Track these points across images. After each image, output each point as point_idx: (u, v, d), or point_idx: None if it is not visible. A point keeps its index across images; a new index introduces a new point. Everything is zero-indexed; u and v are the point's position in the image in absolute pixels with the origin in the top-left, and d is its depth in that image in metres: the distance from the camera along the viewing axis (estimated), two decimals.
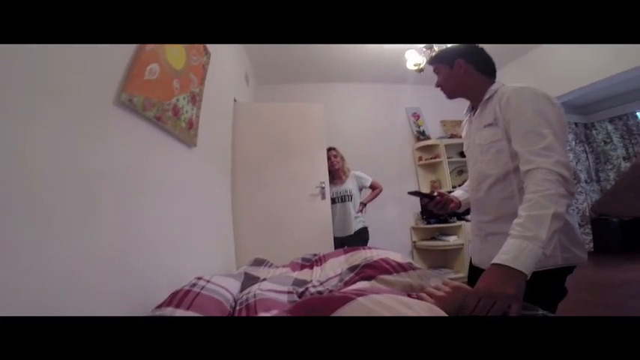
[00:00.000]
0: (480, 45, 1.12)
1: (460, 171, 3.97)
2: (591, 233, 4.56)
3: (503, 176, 0.97)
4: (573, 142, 4.96)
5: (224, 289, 1.08)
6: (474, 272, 1.08)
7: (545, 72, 3.44)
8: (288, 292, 1.15)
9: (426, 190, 3.90)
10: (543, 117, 0.86)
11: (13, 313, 0.56)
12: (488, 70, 1.09)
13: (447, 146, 3.89)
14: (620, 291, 2.73)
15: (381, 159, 3.87)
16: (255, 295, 1.03)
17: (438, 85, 1.17)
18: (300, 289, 1.18)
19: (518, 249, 0.69)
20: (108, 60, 0.93)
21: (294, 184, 2.59)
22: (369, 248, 1.57)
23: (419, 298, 0.72)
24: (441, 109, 4.09)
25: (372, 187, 2.90)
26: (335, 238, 2.59)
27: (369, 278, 1.07)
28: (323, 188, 2.60)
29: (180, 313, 0.85)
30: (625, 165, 4.71)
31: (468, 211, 1.21)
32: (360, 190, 2.88)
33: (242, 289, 1.20)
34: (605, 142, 4.98)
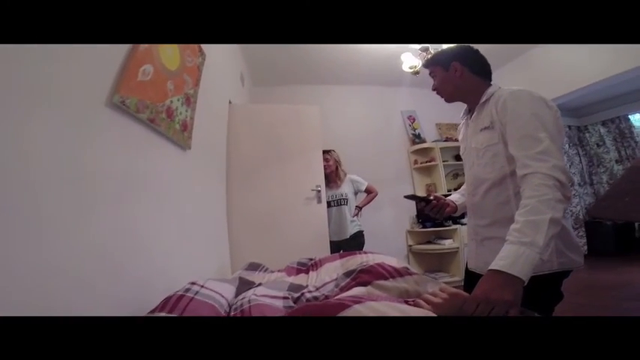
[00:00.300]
0: (475, 47, 1.12)
1: (455, 174, 3.98)
2: (585, 236, 4.60)
3: (500, 180, 0.97)
4: (567, 146, 5.01)
5: (218, 294, 1.06)
6: (470, 276, 1.07)
7: (540, 74, 3.48)
8: (284, 298, 1.13)
9: (421, 193, 3.91)
10: (540, 120, 0.85)
11: (7, 313, 0.55)
12: (484, 72, 1.09)
13: (442, 149, 3.90)
14: (615, 293, 2.75)
15: (376, 162, 3.88)
16: (250, 301, 1.01)
17: (434, 89, 1.16)
18: (296, 295, 1.16)
19: (515, 255, 0.69)
20: (101, 60, 0.91)
21: (289, 187, 2.57)
22: (365, 253, 1.56)
23: (416, 304, 0.71)
24: (437, 112, 4.12)
25: (368, 191, 2.90)
26: (331, 242, 2.58)
27: (365, 284, 1.06)
28: (319, 192, 2.58)
29: None
30: (618, 168, 4.77)
31: (464, 215, 1.21)
32: (356, 194, 2.88)
33: (237, 294, 1.18)
34: (598, 145, 5.04)
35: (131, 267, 1.00)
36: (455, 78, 1.08)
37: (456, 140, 1.27)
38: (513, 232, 0.73)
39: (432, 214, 1.21)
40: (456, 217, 1.51)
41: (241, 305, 1.00)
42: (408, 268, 1.14)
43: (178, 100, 1.37)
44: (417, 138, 4.14)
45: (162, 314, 0.85)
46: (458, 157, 3.53)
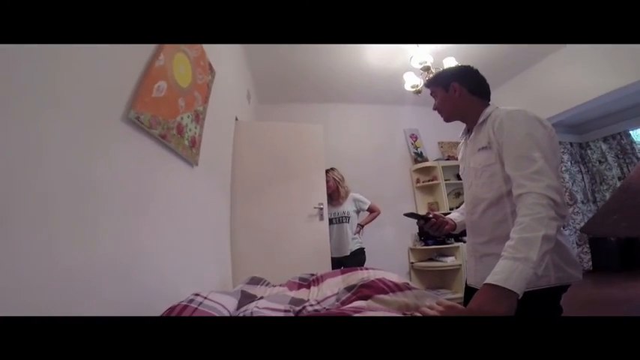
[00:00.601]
0: (475, 67, 1.16)
1: (457, 193, 4.00)
2: (589, 252, 4.56)
3: (497, 200, 0.99)
4: (569, 163, 5.01)
5: (221, 305, 1.08)
6: (470, 292, 1.09)
7: (540, 91, 3.52)
8: (285, 311, 1.14)
9: (423, 212, 3.92)
10: (534, 140, 0.88)
11: (16, 313, 0.57)
12: (482, 92, 1.12)
13: (444, 168, 3.93)
14: (620, 309, 2.72)
15: (378, 180, 3.91)
16: (252, 313, 1.02)
17: (435, 109, 1.20)
18: (297, 308, 1.18)
19: (509, 270, 0.71)
20: (118, 75, 0.97)
21: (292, 204, 2.60)
22: (366, 269, 1.57)
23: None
24: (439, 131, 4.15)
25: (371, 210, 2.93)
26: (332, 259, 2.59)
27: (365, 298, 1.08)
28: (321, 209, 2.61)
29: None
30: None
31: (464, 233, 1.23)
32: (359, 212, 2.91)
33: (239, 306, 1.19)
34: (600, 162, 5.03)
35: (137, 275, 1.03)
36: (454, 98, 1.12)
37: (457, 159, 1.30)
38: (508, 249, 0.75)
39: (432, 232, 1.23)
40: (457, 234, 1.52)
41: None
42: (408, 284, 1.15)
43: (188, 116, 1.42)
44: (419, 156, 4.18)
45: None
46: (459, 176, 3.57)
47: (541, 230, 0.74)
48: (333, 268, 2.41)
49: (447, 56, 2.80)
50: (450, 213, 1.32)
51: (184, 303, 0.99)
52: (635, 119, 4.61)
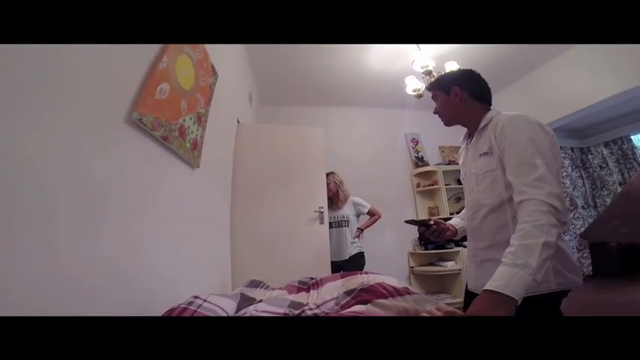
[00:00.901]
0: (477, 71, 1.15)
1: (458, 198, 3.99)
2: (590, 257, 4.56)
3: (498, 206, 0.99)
4: (570, 168, 5.00)
5: (220, 308, 1.08)
6: (470, 297, 1.08)
7: (541, 96, 3.52)
8: (284, 314, 1.14)
9: (423, 216, 3.92)
10: (536, 146, 0.88)
11: (16, 313, 0.57)
12: (483, 96, 1.12)
13: (444, 173, 3.93)
14: (620, 313, 2.71)
15: (379, 184, 3.91)
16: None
17: (436, 112, 1.20)
18: (297, 311, 1.17)
19: (509, 276, 0.71)
20: (121, 77, 0.97)
21: (293, 207, 2.60)
22: (366, 273, 1.57)
23: None
24: (440, 135, 4.17)
25: (371, 213, 2.92)
26: (331, 263, 2.59)
27: (364, 302, 1.07)
28: (322, 213, 2.61)
29: None
30: None
31: (465, 238, 1.23)
32: (358, 216, 2.91)
33: (238, 309, 1.19)
34: (601, 167, 5.03)
35: (137, 277, 1.03)
36: (455, 102, 1.12)
37: (458, 164, 1.29)
38: (508, 255, 0.75)
39: (433, 238, 1.22)
40: (457, 240, 1.52)
41: None
42: (407, 288, 1.15)
43: (190, 119, 1.43)
44: (419, 161, 4.19)
45: None
46: (460, 181, 3.58)
47: (541, 237, 0.74)
48: (332, 272, 2.40)
49: (448, 60, 2.81)
50: (450, 218, 1.32)
51: (183, 305, 0.99)
52: (637, 124, 4.61)
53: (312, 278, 1.76)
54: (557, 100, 3.33)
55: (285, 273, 2.10)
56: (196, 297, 1.08)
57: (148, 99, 1.07)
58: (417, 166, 4.15)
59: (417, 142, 4.31)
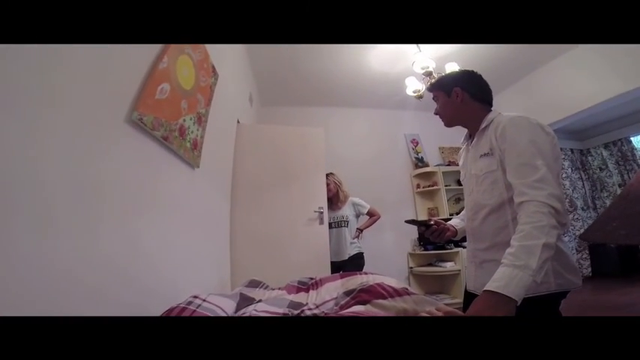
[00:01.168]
0: (479, 70, 1.15)
1: (457, 199, 4.00)
2: (589, 258, 4.57)
3: (498, 207, 0.99)
4: (569, 169, 5.01)
5: (219, 308, 1.08)
6: (469, 297, 1.08)
7: (542, 97, 3.52)
8: (284, 314, 1.14)
9: (423, 217, 3.92)
10: (537, 148, 0.88)
11: (15, 313, 0.57)
12: (485, 97, 1.12)
13: (444, 174, 3.94)
14: (619, 314, 2.72)
15: (379, 185, 3.91)
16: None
17: (436, 113, 1.19)
18: (296, 312, 1.18)
19: (509, 277, 0.71)
20: (122, 77, 0.97)
21: (292, 207, 2.60)
22: (365, 273, 1.57)
23: None
24: (440, 136, 4.18)
25: (370, 214, 2.93)
26: (331, 263, 2.59)
27: (364, 302, 1.07)
28: (321, 213, 2.61)
29: None
30: None
31: (464, 239, 1.23)
32: (358, 216, 2.91)
33: (237, 309, 1.19)
34: (601, 169, 5.04)
35: (137, 277, 1.03)
36: (456, 103, 1.11)
37: (458, 165, 1.29)
38: (508, 256, 0.75)
39: (433, 238, 1.22)
40: (456, 240, 1.52)
41: None
42: (407, 289, 1.15)
43: (191, 119, 1.43)
44: (419, 162, 4.19)
45: None
46: (460, 182, 3.59)
47: (542, 238, 0.74)
48: (332, 273, 2.41)
49: (449, 61, 2.81)
50: (450, 219, 1.32)
51: (183, 305, 0.99)
52: (636, 125, 4.62)
53: (312, 278, 1.76)
54: (558, 102, 3.33)
55: (284, 273, 2.10)
56: (195, 297, 1.08)
57: (148, 99, 1.07)
58: (416, 166, 4.15)
59: (417, 143, 4.32)
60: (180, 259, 1.39)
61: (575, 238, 4.59)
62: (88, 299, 0.78)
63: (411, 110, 4.21)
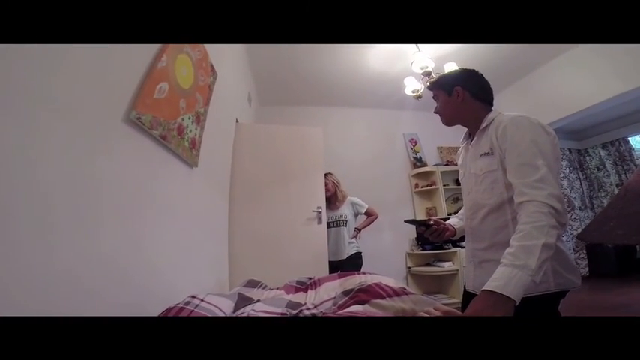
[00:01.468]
0: (480, 70, 1.14)
1: (456, 199, 4.00)
2: (586, 258, 4.59)
3: (498, 206, 0.99)
4: (567, 169, 5.02)
5: (217, 308, 1.07)
6: (468, 297, 1.09)
7: (540, 97, 3.53)
8: (282, 314, 1.14)
9: (421, 217, 3.93)
10: (538, 148, 0.88)
11: (14, 313, 0.57)
12: (485, 97, 1.11)
13: (442, 173, 3.94)
14: (616, 314, 2.73)
15: (377, 185, 3.92)
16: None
17: (436, 112, 1.18)
18: (294, 311, 1.18)
19: (508, 276, 0.71)
20: (120, 76, 0.97)
21: (291, 207, 2.60)
22: (364, 273, 1.57)
23: None
24: (438, 135, 4.19)
25: (368, 214, 2.94)
26: (329, 263, 2.59)
27: (362, 302, 1.08)
28: (320, 213, 2.61)
29: None
30: None
31: (463, 238, 1.23)
32: (356, 216, 2.92)
33: (235, 309, 1.19)
34: (599, 169, 5.05)
35: (135, 276, 1.03)
36: (456, 102, 1.11)
37: (457, 164, 1.29)
38: (507, 256, 0.75)
39: (432, 238, 1.22)
40: (455, 240, 1.52)
41: None
42: (405, 288, 1.15)
43: (189, 118, 1.43)
44: (418, 162, 4.19)
45: None
46: (458, 182, 3.59)
47: (541, 238, 0.74)
48: (330, 272, 2.41)
49: (448, 61, 2.81)
50: (448, 218, 1.32)
51: (181, 305, 0.99)
52: (634, 126, 4.64)
53: (310, 278, 1.76)
54: (557, 102, 3.34)
55: (283, 273, 2.10)
56: (193, 297, 1.07)
57: (146, 98, 1.06)
58: (415, 166, 4.16)
59: (416, 143, 4.32)
60: (179, 258, 1.38)
61: (572, 238, 4.61)
62: (85, 299, 0.78)
63: (409, 110, 4.22)
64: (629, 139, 4.79)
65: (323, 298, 1.32)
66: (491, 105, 1.12)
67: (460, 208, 1.33)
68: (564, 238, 0.95)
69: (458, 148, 1.29)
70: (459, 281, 3.38)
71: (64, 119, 0.74)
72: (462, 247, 3.43)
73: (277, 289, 1.68)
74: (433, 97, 1.20)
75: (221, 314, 1.06)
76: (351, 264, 2.64)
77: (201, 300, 1.07)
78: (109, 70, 0.90)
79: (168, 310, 0.96)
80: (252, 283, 1.74)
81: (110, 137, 0.91)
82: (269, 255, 2.44)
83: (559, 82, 3.33)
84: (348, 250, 2.73)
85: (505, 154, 0.94)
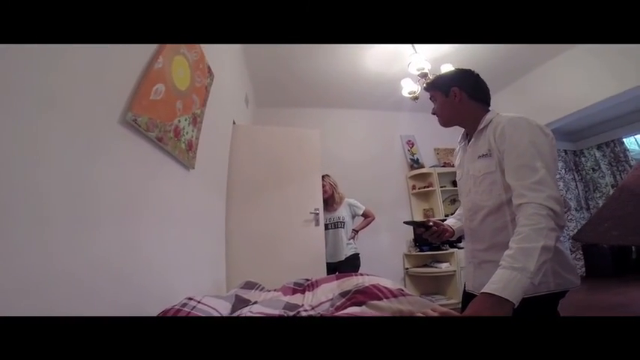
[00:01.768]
0: (476, 70, 1.14)
1: (453, 200, 4.02)
2: (582, 258, 4.61)
3: (497, 208, 0.99)
4: (563, 170, 5.05)
5: (214, 310, 1.07)
6: (468, 297, 1.08)
7: (537, 98, 3.55)
8: (279, 316, 1.14)
9: (419, 218, 3.93)
10: (537, 149, 0.87)
11: (12, 313, 0.57)
12: (483, 97, 1.11)
13: (440, 175, 3.96)
14: (613, 313, 2.75)
15: (375, 186, 3.93)
16: None
17: (434, 113, 1.18)
18: (292, 313, 1.17)
19: (507, 279, 0.71)
20: (116, 77, 0.96)
21: (288, 208, 2.60)
22: (361, 274, 1.57)
23: None
24: (435, 137, 4.21)
25: (365, 215, 2.95)
26: (327, 264, 2.59)
27: (359, 304, 1.07)
28: (317, 214, 2.61)
29: None
30: None
31: (460, 239, 1.22)
32: (353, 217, 2.93)
33: (232, 311, 1.19)
34: (594, 170, 5.09)
35: (132, 278, 1.02)
36: (454, 103, 1.10)
37: (454, 165, 1.28)
38: (506, 258, 0.75)
39: (431, 239, 1.21)
40: (453, 241, 1.52)
41: None
42: (402, 290, 1.15)
43: (186, 119, 1.42)
44: (415, 163, 4.21)
45: None
46: (455, 183, 3.60)
47: (540, 241, 0.74)
48: (328, 274, 2.41)
49: (444, 62, 2.82)
50: (446, 219, 1.31)
51: (177, 307, 0.99)
52: (629, 127, 4.67)
53: (308, 280, 1.76)
54: (553, 103, 3.36)
55: (280, 274, 2.10)
56: (190, 298, 1.07)
57: (143, 99, 1.06)
58: (412, 168, 4.17)
59: (413, 144, 4.34)
60: (176, 260, 1.38)
61: (568, 239, 4.64)
62: (82, 300, 0.78)
63: (406, 111, 4.23)
64: (624, 140, 4.83)
65: (320, 299, 1.31)
66: (489, 105, 1.12)
67: (456, 209, 1.32)
68: (562, 239, 0.95)
69: (454, 150, 1.28)
70: (456, 282, 3.39)
71: (60, 120, 0.74)
72: (460, 247, 3.44)
73: (275, 290, 1.68)
74: (430, 99, 1.19)
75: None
76: (348, 265, 2.65)
77: (198, 302, 1.06)
78: (105, 72, 0.90)
79: (165, 311, 0.96)
80: (250, 285, 1.73)
81: (106, 139, 0.91)
82: (266, 257, 2.43)
83: (555, 83, 3.35)
84: (346, 252, 2.73)
85: (503, 155, 0.93)
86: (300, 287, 1.68)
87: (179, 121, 1.35)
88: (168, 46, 1.23)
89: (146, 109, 1.08)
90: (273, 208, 2.57)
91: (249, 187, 2.55)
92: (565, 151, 5.24)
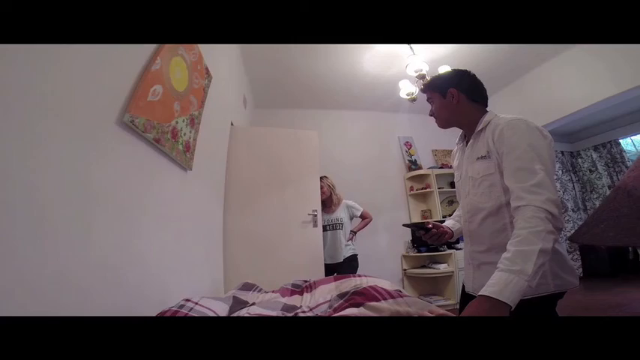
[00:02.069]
0: (472, 71, 1.14)
1: (450, 201, 4.03)
2: (580, 259, 4.64)
3: (496, 210, 0.98)
4: (560, 172, 5.07)
5: (212, 311, 1.07)
6: (467, 299, 1.08)
7: (534, 99, 3.56)
8: (276, 317, 1.14)
9: (416, 219, 3.94)
10: (536, 152, 0.87)
11: (10, 313, 0.57)
12: (480, 98, 1.10)
13: (437, 176, 3.97)
14: (611, 313, 2.77)
15: (373, 188, 3.93)
16: None
17: (431, 114, 1.17)
18: (289, 315, 1.17)
19: (504, 282, 0.71)
20: (114, 79, 0.96)
21: (286, 210, 2.60)
22: (359, 276, 1.58)
23: None
24: (433, 138, 4.22)
25: (363, 216, 2.96)
26: (325, 265, 2.59)
27: (357, 305, 1.08)
28: (315, 216, 2.61)
29: None
30: None
31: (459, 240, 1.23)
32: (351, 219, 2.93)
33: (230, 312, 1.18)
34: (591, 171, 5.11)
35: (129, 279, 1.02)
36: (451, 104, 1.10)
37: (452, 167, 1.28)
38: (504, 261, 0.75)
39: (431, 241, 1.21)
40: (451, 242, 1.52)
41: None
42: (400, 291, 1.15)
43: (183, 121, 1.42)
44: (413, 164, 4.21)
45: None
46: (453, 184, 3.60)
47: (538, 244, 0.74)
48: (326, 275, 2.41)
49: (442, 64, 2.83)
50: (444, 220, 1.31)
51: (174, 308, 0.99)
52: (625, 128, 4.70)
53: (306, 281, 1.76)
54: (550, 104, 3.37)
55: (278, 276, 2.10)
56: (188, 300, 1.07)
57: (140, 101, 1.06)
58: (410, 169, 4.18)
59: (411, 146, 4.34)
60: (173, 261, 1.37)
61: (565, 240, 4.66)
62: (79, 301, 0.77)
63: (404, 113, 4.24)
64: (621, 141, 4.85)
65: (318, 301, 1.31)
66: (486, 106, 1.12)
67: (455, 210, 1.32)
68: (560, 240, 0.95)
69: (452, 151, 1.28)
70: (454, 283, 3.40)
71: (57, 121, 0.73)
72: (458, 248, 3.45)
73: (273, 292, 1.67)
74: (427, 100, 1.19)
75: None
76: (346, 266, 2.65)
77: (196, 303, 1.06)
78: (102, 73, 0.89)
79: (162, 313, 0.95)
80: (248, 287, 1.73)
81: (103, 140, 0.91)
82: (264, 258, 2.43)
83: (552, 84, 3.36)
84: (345, 253, 2.74)
85: (502, 157, 0.93)
86: (299, 289, 1.68)
87: (177, 122, 1.35)
88: (166, 48, 1.23)
89: (144, 110, 1.08)
90: (271, 209, 2.57)
91: (247, 189, 2.54)
92: (562, 153, 5.27)
